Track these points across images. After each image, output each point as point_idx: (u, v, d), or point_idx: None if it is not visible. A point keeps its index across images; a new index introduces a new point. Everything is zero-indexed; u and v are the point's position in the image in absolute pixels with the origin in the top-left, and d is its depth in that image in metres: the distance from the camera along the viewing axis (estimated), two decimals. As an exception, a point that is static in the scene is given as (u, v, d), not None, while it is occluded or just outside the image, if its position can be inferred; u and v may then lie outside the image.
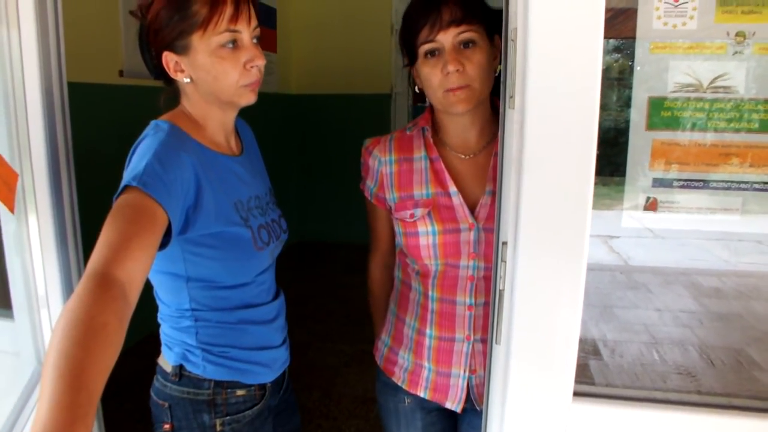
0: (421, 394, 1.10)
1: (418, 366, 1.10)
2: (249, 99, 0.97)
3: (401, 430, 1.17)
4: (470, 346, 1.05)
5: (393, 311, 1.17)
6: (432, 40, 0.96)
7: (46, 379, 0.56)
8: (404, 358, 1.12)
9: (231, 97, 0.96)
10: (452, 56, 0.95)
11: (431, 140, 1.08)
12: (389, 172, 1.09)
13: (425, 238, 1.03)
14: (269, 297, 1.07)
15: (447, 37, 0.96)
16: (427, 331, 1.08)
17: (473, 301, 1.04)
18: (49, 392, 0.55)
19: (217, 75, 0.93)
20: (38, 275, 1.09)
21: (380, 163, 1.10)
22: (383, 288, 1.23)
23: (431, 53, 0.98)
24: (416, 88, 1.07)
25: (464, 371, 1.06)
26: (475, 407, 1.07)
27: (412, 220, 1.04)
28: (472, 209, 1.03)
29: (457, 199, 1.03)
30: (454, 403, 1.08)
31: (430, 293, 1.07)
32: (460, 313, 1.05)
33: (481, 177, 1.05)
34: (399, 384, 1.13)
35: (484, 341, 1.03)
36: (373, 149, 1.12)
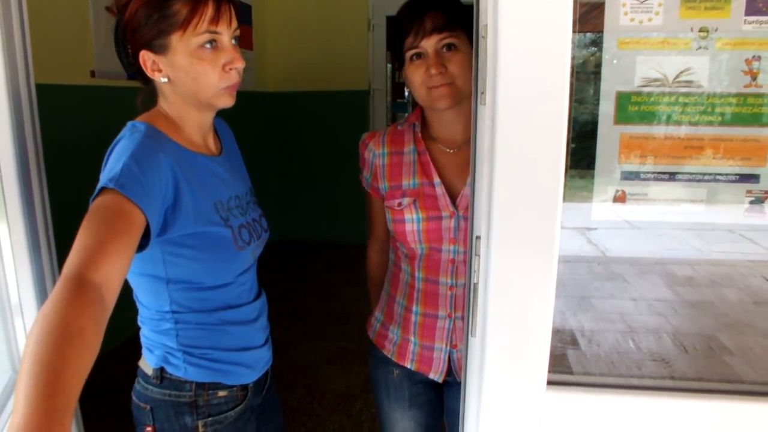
0: (408, 366, 1.21)
1: (405, 340, 1.21)
2: (227, 102, 0.97)
3: (390, 399, 1.27)
4: (452, 322, 1.16)
5: (386, 290, 1.28)
6: (416, 46, 1.06)
7: (22, 385, 0.56)
8: (393, 332, 1.23)
9: (209, 98, 0.95)
10: (434, 60, 1.05)
11: (420, 135, 1.17)
12: (382, 163, 1.19)
13: (410, 224, 1.13)
14: (251, 297, 1.07)
15: (430, 43, 1.05)
16: (414, 308, 1.19)
17: (454, 281, 1.14)
18: (25, 398, 0.55)
19: (196, 76, 0.92)
20: (11, 282, 1.06)
21: (374, 155, 1.20)
22: (379, 270, 1.34)
23: (416, 56, 1.08)
24: (405, 88, 1.16)
25: (446, 345, 1.17)
26: (456, 379, 1.17)
27: (399, 208, 1.14)
28: (454, 199, 1.12)
29: (439, 189, 1.12)
30: (436, 374, 1.18)
31: (416, 274, 1.17)
32: (443, 292, 1.15)
33: (464, 169, 1.12)
34: (389, 356, 1.24)
35: (464, 319, 1.08)
36: (369, 142, 1.22)
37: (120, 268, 0.73)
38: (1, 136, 1.02)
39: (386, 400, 1.28)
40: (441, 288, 1.15)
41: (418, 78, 1.07)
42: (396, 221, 1.15)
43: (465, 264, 1.07)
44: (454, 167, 1.14)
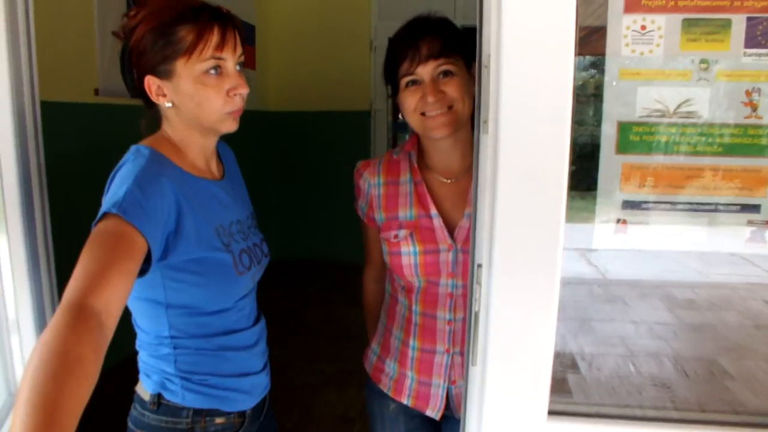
0: (405, 402, 1.17)
1: (402, 375, 1.17)
2: (230, 126, 0.97)
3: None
4: (450, 358, 1.12)
5: (383, 322, 1.24)
6: (412, 73, 1.04)
7: (19, 413, 0.55)
8: (390, 367, 1.20)
9: (213, 123, 0.96)
10: (431, 88, 1.03)
11: (416, 164, 1.14)
12: (378, 194, 1.16)
13: (407, 257, 1.10)
14: (250, 322, 1.06)
15: (426, 70, 1.03)
16: (411, 342, 1.15)
17: (452, 316, 1.11)
18: (21, 427, 0.54)
19: (201, 101, 0.93)
20: (9, 299, 1.06)
21: (370, 185, 1.17)
22: (376, 299, 1.30)
23: (412, 83, 1.05)
24: (399, 115, 1.14)
25: (444, 381, 1.13)
26: (454, 415, 1.13)
27: (395, 240, 1.11)
28: (452, 231, 1.09)
29: (437, 222, 1.09)
30: (434, 411, 1.14)
31: (413, 307, 1.14)
32: (441, 327, 1.12)
33: (462, 200, 1.11)
34: (385, 391, 1.20)
35: (462, 354, 1.09)
36: (363, 171, 1.19)
37: (121, 293, 0.73)
38: (5, 153, 1.02)
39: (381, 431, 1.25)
40: (439, 323, 1.12)
41: (412, 104, 1.05)
42: (392, 254, 1.12)
43: (464, 298, 1.07)
44: (451, 198, 1.11)
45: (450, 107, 1.03)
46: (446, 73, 1.03)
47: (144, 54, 0.92)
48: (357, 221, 1.25)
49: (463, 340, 1.06)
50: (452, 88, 1.02)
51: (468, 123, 1.08)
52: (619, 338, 2.52)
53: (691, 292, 2.99)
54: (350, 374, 2.91)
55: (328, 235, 4.90)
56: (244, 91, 0.95)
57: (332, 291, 4.15)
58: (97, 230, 0.79)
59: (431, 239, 1.09)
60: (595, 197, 0.89)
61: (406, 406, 1.18)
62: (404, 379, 1.17)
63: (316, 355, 3.19)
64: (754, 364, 2.11)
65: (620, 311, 2.82)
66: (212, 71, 0.92)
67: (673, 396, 1.93)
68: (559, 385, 0.82)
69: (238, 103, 0.96)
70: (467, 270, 0.98)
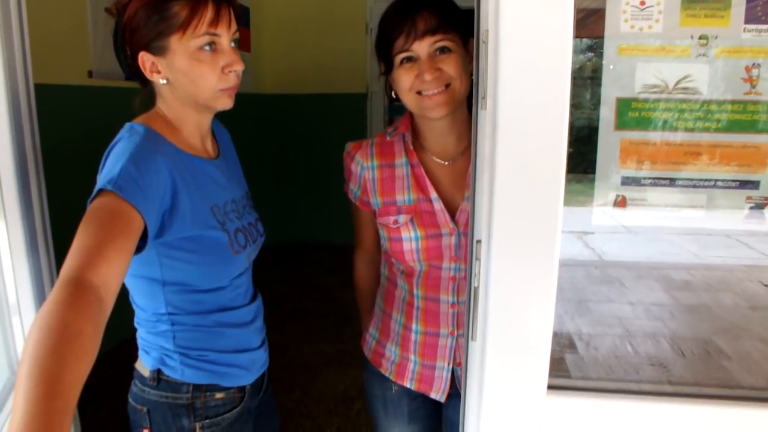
0: (407, 385, 1.15)
1: (405, 359, 1.15)
2: (226, 104, 0.97)
3: (388, 415, 1.22)
4: (454, 340, 1.10)
5: (380, 306, 1.21)
6: (407, 49, 0.99)
7: (20, 389, 0.56)
8: (391, 351, 1.17)
9: (208, 100, 0.95)
10: (428, 65, 0.98)
11: (411, 146, 1.10)
12: (372, 177, 1.11)
13: (408, 243, 1.07)
14: (246, 300, 1.07)
15: (422, 46, 0.98)
16: (413, 326, 1.13)
17: (456, 299, 1.08)
18: (24, 401, 0.54)
19: (195, 78, 0.92)
20: (8, 282, 1.06)
21: (363, 168, 1.12)
22: (369, 283, 1.27)
23: (407, 60, 1.00)
24: (392, 93, 1.08)
25: (449, 364, 1.11)
26: (457, 391, 1.10)
27: (395, 226, 1.08)
28: (453, 214, 1.06)
29: (438, 205, 1.06)
30: (438, 393, 1.13)
31: (415, 291, 1.11)
32: (444, 310, 1.09)
33: (461, 182, 1.07)
34: (386, 375, 1.18)
35: None
36: (355, 154, 1.13)
37: (118, 270, 0.73)
38: (1, 137, 1.01)
39: (384, 416, 1.23)
40: (442, 306, 1.09)
41: (407, 82, 1.00)
42: (392, 240, 1.09)
43: (467, 281, 1.06)
44: (450, 181, 1.08)
45: (447, 85, 0.99)
46: (443, 50, 0.98)
47: (137, 30, 0.90)
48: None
49: None
50: (450, 66, 0.98)
51: (464, 102, 1.05)
52: (617, 319, 2.54)
53: (687, 273, 3.02)
54: (350, 355, 2.94)
55: (323, 218, 4.90)
56: (239, 67, 0.94)
57: (328, 274, 4.17)
58: (93, 207, 0.78)
59: (433, 223, 1.06)
60: (591, 181, 0.89)
61: (408, 388, 1.16)
62: (407, 363, 1.15)
63: (315, 336, 3.21)
64: (749, 343, 2.14)
65: (617, 292, 2.84)
66: (206, 47, 0.91)
67: (670, 375, 1.96)
68: (557, 365, 0.82)
69: (232, 80, 0.95)
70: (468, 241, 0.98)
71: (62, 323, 0.61)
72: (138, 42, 0.91)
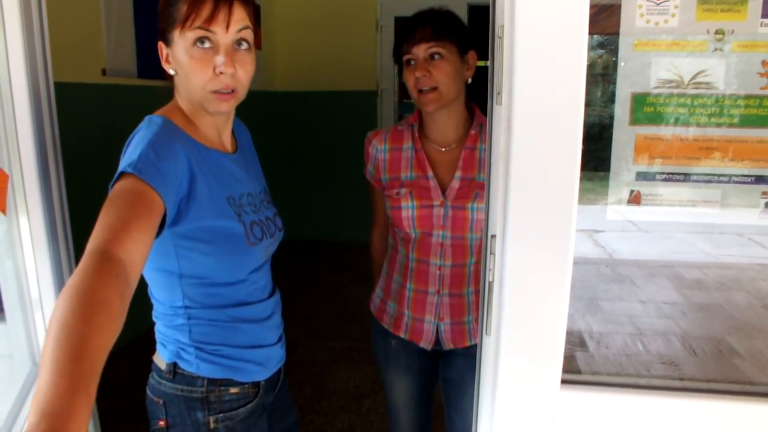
0: (402, 336, 1.39)
1: (400, 313, 1.39)
2: (217, 107, 0.94)
3: (389, 363, 1.47)
4: (439, 298, 1.34)
5: (385, 270, 1.46)
6: (409, 52, 1.26)
7: (47, 350, 0.56)
8: (391, 306, 1.41)
9: (200, 100, 0.94)
10: (421, 65, 1.24)
11: (417, 134, 1.36)
12: (384, 158, 1.37)
13: (406, 211, 1.31)
14: (264, 295, 1.07)
15: (419, 51, 1.24)
16: (408, 285, 1.36)
17: (442, 262, 1.32)
18: (50, 362, 0.54)
19: (188, 74, 0.92)
20: (31, 277, 1.08)
21: (377, 150, 1.38)
22: (381, 254, 1.53)
23: (409, 62, 1.26)
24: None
25: (434, 318, 1.35)
26: (443, 348, 1.36)
27: (397, 196, 1.32)
28: (444, 190, 1.30)
29: (432, 182, 1.31)
30: (425, 343, 1.37)
31: (410, 255, 1.35)
32: (432, 271, 1.33)
33: (453, 165, 1.32)
34: (387, 328, 1.42)
35: (450, 295, 1.33)
36: (372, 140, 1.40)
37: (142, 247, 0.74)
38: (23, 133, 1.03)
39: (385, 364, 1.47)
40: (431, 268, 1.33)
41: (410, 81, 1.26)
42: (394, 208, 1.32)
43: (452, 248, 1.31)
44: (444, 164, 1.33)
45: (435, 88, 1.22)
46: (435, 56, 1.23)
47: (158, 19, 0.94)
48: (362, 201, 1.41)
49: (451, 283, 1.32)
50: (438, 70, 1.22)
51: (459, 100, 1.30)
52: (627, 317, 2.53)
53: (699, 272, 2.99)
54: (359, 351, 2.95)
55: (334, 216, 4.92)
56: (228, 70, 0.90)
57: (338, 271, 4.18)
58: (116, 189, 0.80)
59: (427, 196, 1.30)
60: (601, 179, 0.89)
61: (405, 342, 1.39)
62: (402, 317, 1.39)
63: (325, 333, 3.23)
64: (762, 343, 2.11)
65: (628, 291, 2.82)
66: (199, 44, 0.90)
67: (681, 373, 1.95)
68: (568, 363, 0.83)
69: (223, 83, 0.91)
70: (456, 224, 1.28)
71: (90, 290, 0.62)
72: (159, 30, 0.94)
